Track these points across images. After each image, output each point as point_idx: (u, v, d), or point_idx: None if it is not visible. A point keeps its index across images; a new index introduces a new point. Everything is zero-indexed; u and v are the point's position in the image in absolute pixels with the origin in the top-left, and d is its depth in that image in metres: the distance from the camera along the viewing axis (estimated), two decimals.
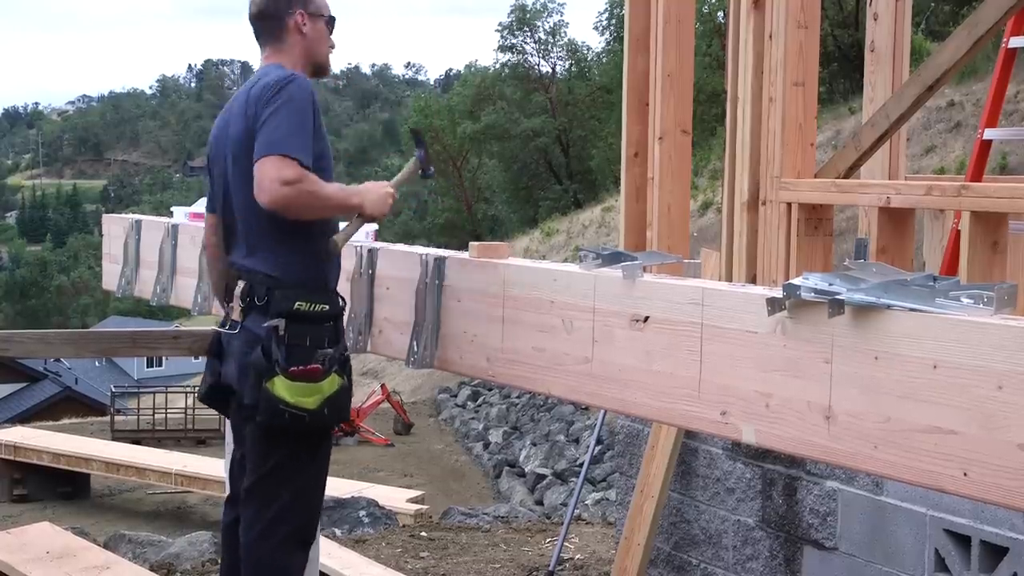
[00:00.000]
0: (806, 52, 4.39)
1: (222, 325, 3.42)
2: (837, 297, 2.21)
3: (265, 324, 3.20)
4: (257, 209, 3.21)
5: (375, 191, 3.32)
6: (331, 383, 3.21)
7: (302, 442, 3.31)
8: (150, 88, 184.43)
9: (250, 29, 3.51)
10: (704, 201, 26.08)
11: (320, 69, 3.49)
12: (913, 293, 2.16)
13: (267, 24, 3.40)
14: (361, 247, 3.72)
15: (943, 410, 2.07)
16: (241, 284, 3.32)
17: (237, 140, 3.28)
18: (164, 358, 49.47)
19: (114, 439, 22.29)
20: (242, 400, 3.27)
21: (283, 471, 3.31)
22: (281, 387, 3.15)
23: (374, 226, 3.85)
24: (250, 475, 3.36)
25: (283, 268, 3.25)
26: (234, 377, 3.32)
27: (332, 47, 3.51)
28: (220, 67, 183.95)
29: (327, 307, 3.27)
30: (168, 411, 25.43)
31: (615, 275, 2.84)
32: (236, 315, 3.32)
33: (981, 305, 2.07)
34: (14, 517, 15.23)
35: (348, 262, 3.73)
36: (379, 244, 3.73)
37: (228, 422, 3.95)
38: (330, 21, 3.47)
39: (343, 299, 3.38)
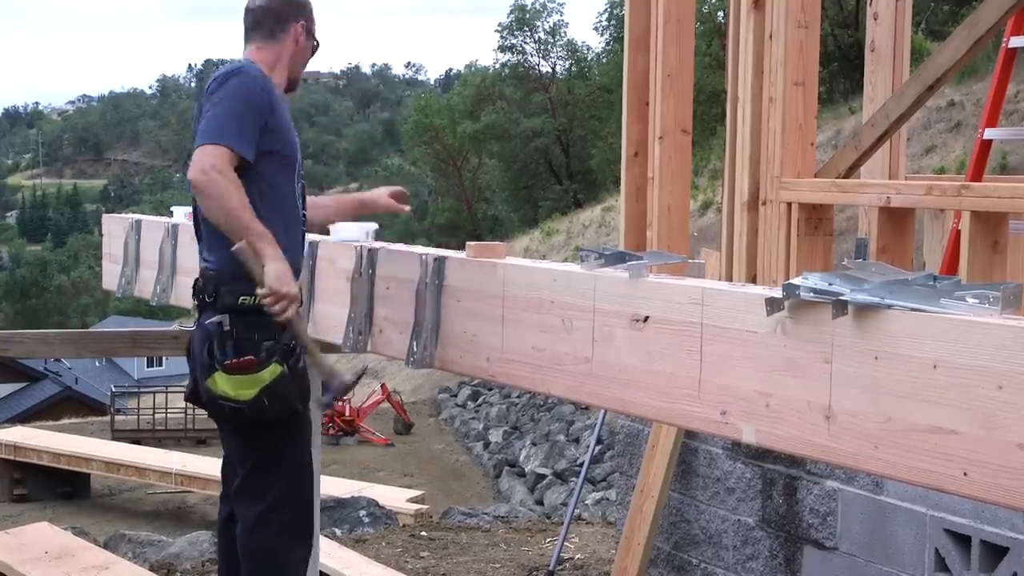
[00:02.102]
0: (806, 52, 4.39)
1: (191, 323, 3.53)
2: (841, 298, 2.21)
3: (209, 320, 3.26)
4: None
5: (282, 267, 3.18)
6: (271, 372, 3.22)
7: (274, 432, 3.35)
8: (150, 88, 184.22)
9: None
10: (704, 201, 26.06)
11: (292, 84, 3.55)
12: (917, 293, 2.15)
13: (267, 20, 3.44)
14: (361, 247, 3.73)
15: (944, 410, 2.07)
16: (199, 282, 3.39)
17: (192, 136, 3.35)
18: (164, 358, 49.40)
19: (114, 439, 22.30)
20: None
21: (265, 465, 3.37)
22: (222, 381, 3.21)
23: (374, 225, 3.85)
24: (238, 475, 3.44)
25: (227, 263, 3.26)
26: (198, 374, 3.37)
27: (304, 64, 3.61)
28: (220, 67, 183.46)
29: None
30: (168, 411, 25.44)
31: (615, 275, 2.84)
32: (195, 312, 3.42)
33: (987, 305, 2.07)
34: (14, 517, 15.22)
35: (348, 262, 3.73)
36: (379, 244, 3.73)
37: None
38: (315, 48, 3.58)
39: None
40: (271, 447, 3.37)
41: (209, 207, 3.18)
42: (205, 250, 3.42)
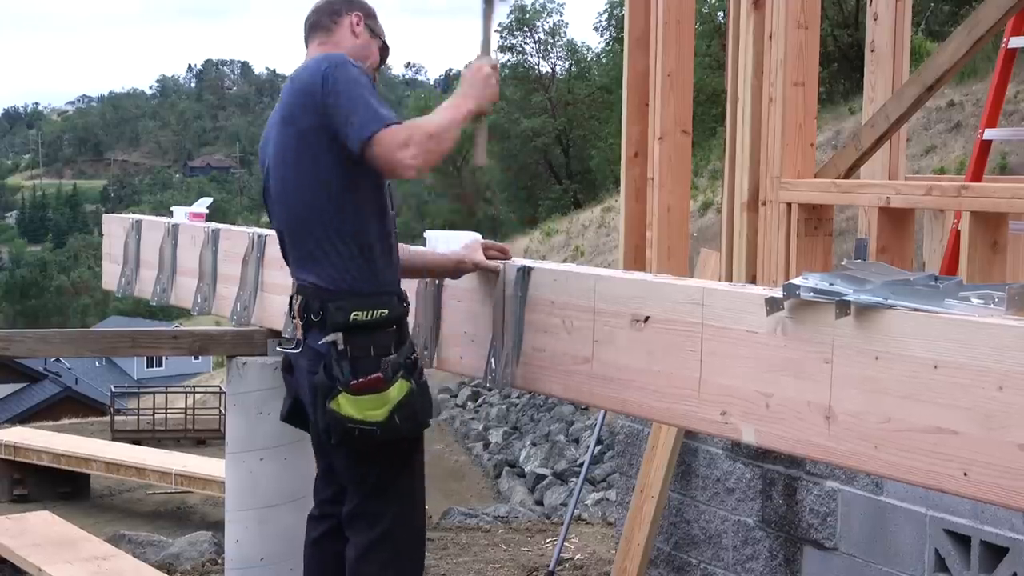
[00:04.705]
0: (806, 52, 4.39)
1: (289, 343, 3.25)
2: (844, 298, 2.21)
3: (322, 341, 3.02)
4: (299, 219, 3.07)
5: (475, 81, 3.13)
6: (399, 389, 3.00)
7: (391, 455, 3.13)
8: (150, 88, 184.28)
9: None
10: (704, 201, 26.05)
11: None
12: (920, 293, 2.15)
13: (321, 19, 3.27)
14: None
15: (944, 410, 2.07)
16: (299, 299, 3.12)
17: (279, 143, 3.10)
18: (164, 358, 49.46)
19: (114, 439, 22.27)
20: (317, 422, 3.11)
21: (382, 488, 3.16)
22: (346, 404, 2.97)
23: (475, 235, 3.54)
24: (351, 499, 3.21)
25: (333, 278, 3.04)
26: (306, 397, 3.18)
27: (377, 69, 3.33)
28: (220, 67, 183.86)
29: (386, 312, 3.04)
30: (168, 411, 25.42)
31: (615, 275, 2.84)
32: (299, 332, 3.15)
33: (991, 306, 2.07)
34: None
35: None
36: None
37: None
38: (384, 48, 3.34)
39: (404, 297, 3.14)
40: (388, 471, 3.15)
41: (439, 161, 3.07)
42: (296, 267, 3.16)
